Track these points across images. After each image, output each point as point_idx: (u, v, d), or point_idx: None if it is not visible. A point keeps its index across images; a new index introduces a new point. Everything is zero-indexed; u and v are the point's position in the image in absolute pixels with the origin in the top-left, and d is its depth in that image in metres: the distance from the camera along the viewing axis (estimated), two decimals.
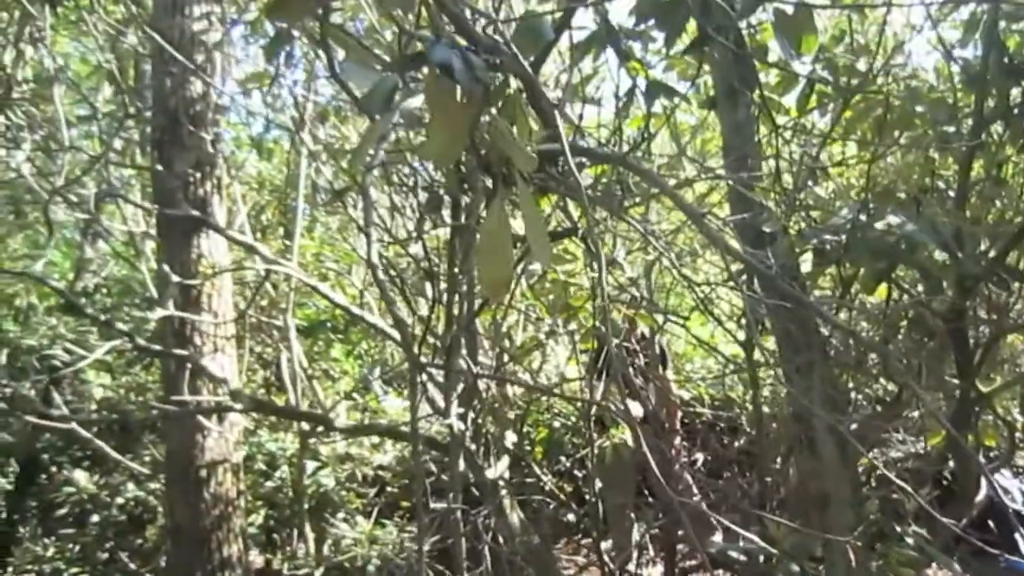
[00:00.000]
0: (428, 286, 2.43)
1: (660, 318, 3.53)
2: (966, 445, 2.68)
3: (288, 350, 4.09)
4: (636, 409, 4.27)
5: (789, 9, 2.39)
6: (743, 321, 3.21)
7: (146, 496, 4.34)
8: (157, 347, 3.19)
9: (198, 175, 3.60)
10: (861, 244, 2.09)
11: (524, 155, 1.00)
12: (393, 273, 2.64)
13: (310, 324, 4.83)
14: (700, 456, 5.24)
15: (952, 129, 3.25)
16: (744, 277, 2.34)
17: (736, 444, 5.32)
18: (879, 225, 2.20)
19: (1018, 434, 5.11)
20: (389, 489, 5.11)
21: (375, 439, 4.69)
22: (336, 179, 3.73)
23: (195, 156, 3.54)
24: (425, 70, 1.34)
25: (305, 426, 3.89)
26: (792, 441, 2.77)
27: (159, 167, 3.51)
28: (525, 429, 3.54)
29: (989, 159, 3.46)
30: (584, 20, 3.53)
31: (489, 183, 1.76)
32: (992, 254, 2.79)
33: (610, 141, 2.60)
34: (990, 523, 4.49)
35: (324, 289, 3.33)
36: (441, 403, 2.58)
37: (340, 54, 1.61)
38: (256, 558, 4.85)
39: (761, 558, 2.81)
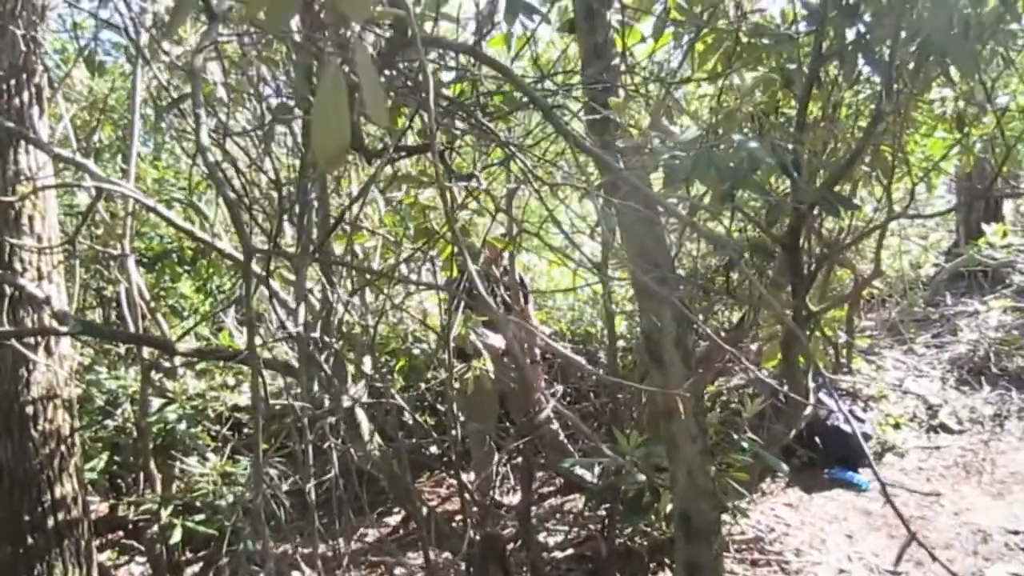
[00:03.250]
0: (276, 200, 2.29)
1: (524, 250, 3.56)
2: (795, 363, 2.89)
3: (127, 281, 3.78)
4: (497, 340, 4.32)
5: None
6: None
7: None
8: None
9: (12, 82, 3.19)
10: (707, 162, 2.16)
11: (359, 4, 0.92)
12: (239, 186, 2.46)
13: (154, 255, 4.49)
14: (560, 388, 5.40)
15: (794, 66, 3.42)
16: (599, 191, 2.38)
17: (595, 376, 5.51)
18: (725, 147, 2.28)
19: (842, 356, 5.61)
20: (247, 431, 4.93)
21: (230, 380, 4.48)
22: (176, 90, 3.41)
23: (5, 59, 3.13)
24: None
25: (148, 359, 3.63)
26: (644, 359, 2.88)
27: None
28: (384, 358, 3.49)
29: (826, 95, 3.68)
30: None
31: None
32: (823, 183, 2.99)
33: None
34: (816, 440, 4.95)
35: (164, 211, 3.07)
36: (292, 327, 2.48)
37: None
38: (100, 506, 4.55)
39: (611, 472, 2.93)
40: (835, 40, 3.34)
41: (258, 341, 4.11)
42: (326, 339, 2.51)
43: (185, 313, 5.11)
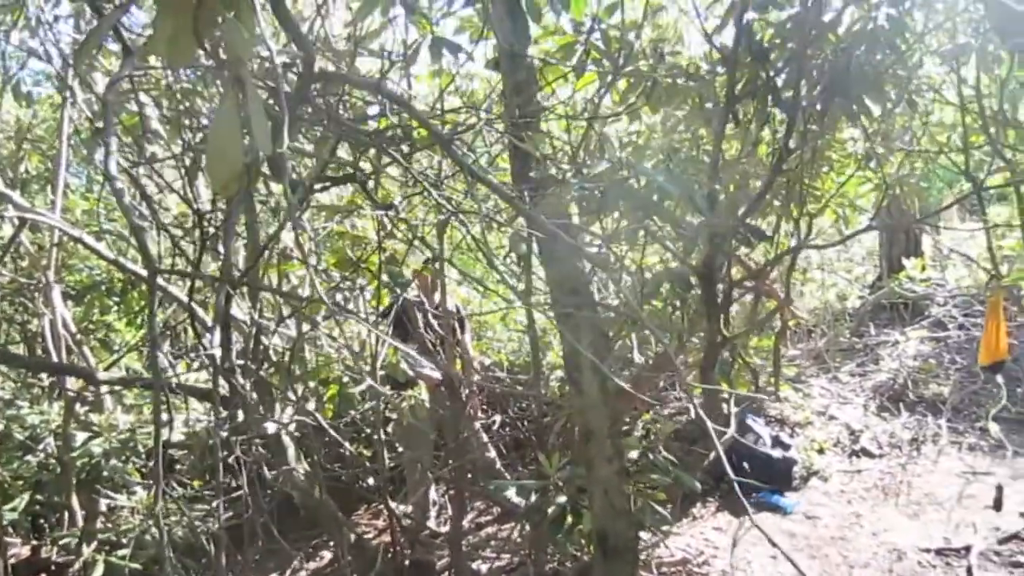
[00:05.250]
0: (198, 231, 2.33)
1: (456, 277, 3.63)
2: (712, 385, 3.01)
3: (52, 313, 3.72)
4: (434, 371, 4.36)
5: None
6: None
7: None
8: None
9: None
10: (619, 194, 2.29)
11: (248, 44, 1.00)
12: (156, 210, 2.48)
13: (83, 288, 4.41)
14: (498, 418, 5.44)
15: (711, 104, 3.63)
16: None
17: (530, 405, 5.59)
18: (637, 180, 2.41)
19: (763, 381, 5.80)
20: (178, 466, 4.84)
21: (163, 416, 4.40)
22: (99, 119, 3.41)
23: None
24: None
25: (72, 391, 3.56)
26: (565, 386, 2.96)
27: None
28: (314, 386, 3.48)
29: (743, 134, 3.90)
30: None
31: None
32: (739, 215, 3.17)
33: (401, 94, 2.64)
34: (745, 465, 5.10)
35: (91, 241, 3.06)
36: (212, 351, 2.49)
37: None
38: (21, 549, 4.38)
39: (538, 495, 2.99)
40: (747, 82, 3.56)
41: (182, 367, 4.08)
42: (250, 365, 2.53)
43: (116, 347, 5.01)
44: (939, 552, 4.05)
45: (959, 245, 10.27)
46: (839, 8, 3.50)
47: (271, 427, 2.58)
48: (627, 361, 3.74)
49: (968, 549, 3.96)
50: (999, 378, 5.22)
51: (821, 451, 5.48)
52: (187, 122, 2.46)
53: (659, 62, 3.38)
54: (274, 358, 2.93)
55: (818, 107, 3.61)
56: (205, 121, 2.77)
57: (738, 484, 5.09)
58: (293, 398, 2.73)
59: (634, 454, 2.92)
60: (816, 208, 4.64)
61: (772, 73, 3.45)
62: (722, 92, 3.54)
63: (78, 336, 3.99)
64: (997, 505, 4.39)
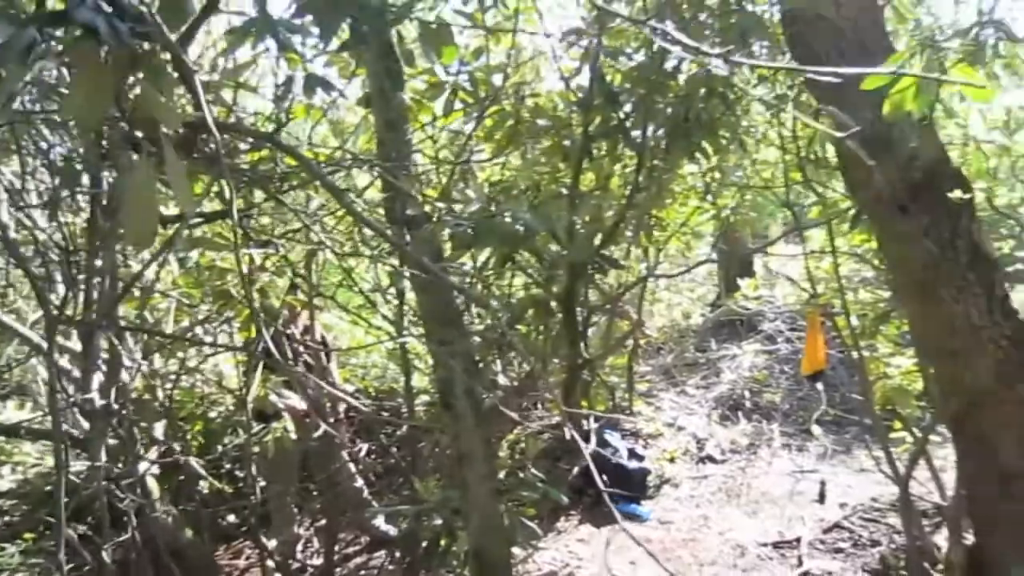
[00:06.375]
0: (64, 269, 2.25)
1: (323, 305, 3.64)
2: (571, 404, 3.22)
3: None
4: (299, 402, 4.31)
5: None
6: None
7: None
8: None
9: None
10: (488, 230, 2.44)
11: (170, 113, 1.05)
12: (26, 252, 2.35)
13: None
14: (365, 446, 5.43)
15: (568, 143, 3.90)
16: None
17: (399, 431, 5.62)
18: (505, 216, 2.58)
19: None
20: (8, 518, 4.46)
21: None
22: None
23: None
24: (67, 30, 1.30)
25: None
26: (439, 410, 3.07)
27: None
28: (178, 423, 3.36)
29: (597, 169, 4.21)
30: (246, 6, 3.51)
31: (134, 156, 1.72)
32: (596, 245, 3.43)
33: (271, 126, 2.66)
34: (604, 477, 5.39)
35: None
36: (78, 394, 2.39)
37: None
38: None
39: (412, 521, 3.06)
40: (601, 123, 3.87)
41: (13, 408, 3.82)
42: (112, 405, 2.44)
43: None
44: (775, 545, 4.50)
45: (784, 266, 11.37)
46: (679, 59, 3.89)
47: (141, 467, 2.50)
48: (494, 384, 3.90)
49: (799, 540, 4.44)
50: (820, 386, 5.87)
51: (672, 460, 5.90)
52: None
53: (520, 103, 3.61)
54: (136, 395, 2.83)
55: (663, 146, 3.99)
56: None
57: (599, 495, 5.39)
58: (159, 437, 2.65)
59: (502, 473, 3.07)
60: (664, 237, 5.06)
61: (622, 115, 3.78)
62: (578, 131, 3.83)
63: None
64: (821, 498, 4.95)
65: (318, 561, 4.79)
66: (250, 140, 2.24)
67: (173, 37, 1.64)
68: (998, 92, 4.13)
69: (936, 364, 3.32)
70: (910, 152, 3.00)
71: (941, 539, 3.71)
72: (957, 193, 2.94)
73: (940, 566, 3.55)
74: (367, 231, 3.36)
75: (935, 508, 4.01)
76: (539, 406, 5.90)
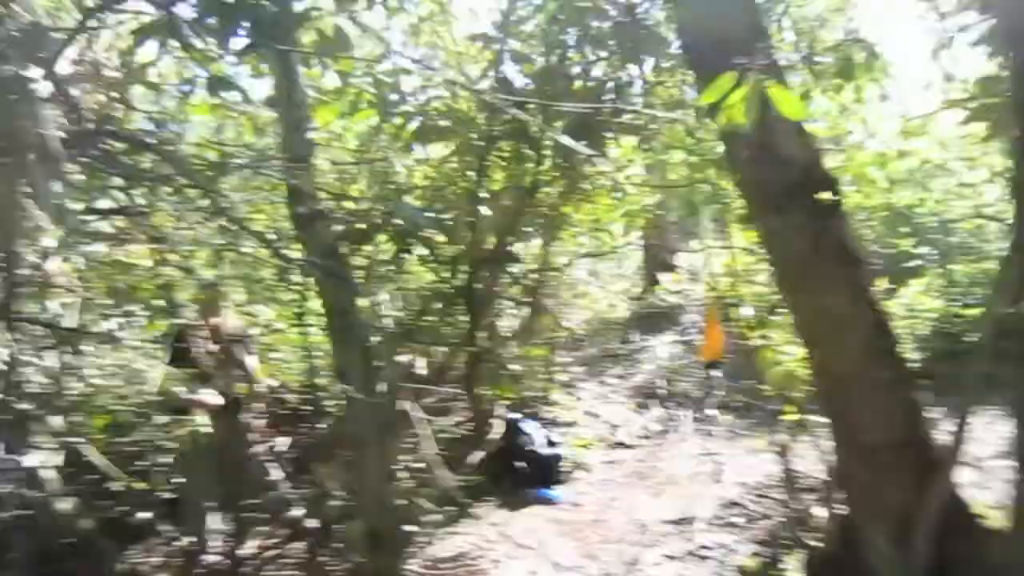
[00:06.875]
0: None
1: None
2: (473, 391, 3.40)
3: None
4: (215, 397, 4.35)
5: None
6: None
7: None
8: None
9: None
10: (381, 227, 2.59)
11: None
12: None
13: None
14: (285, 439, 5.47)
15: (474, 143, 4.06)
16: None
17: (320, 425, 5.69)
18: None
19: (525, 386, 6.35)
20: None
21: None
22: None
23: None
24: None
25: None
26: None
27: None
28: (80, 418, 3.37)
29: (509, 169, 4.38)
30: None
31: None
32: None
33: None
34: (523, 465, 5.60)
35: None
36: None
37: None
38: None
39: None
40: (505, 124, 4.04)
41: None
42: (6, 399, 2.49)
43: None
44: (675, 522, 4.78)
45: (709, 262, 11.82)
46: (581, 65, 4.10)
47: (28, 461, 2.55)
48: (401, 372, 4.03)
49: (696, 518, 4.73)
50: (719, 373, 6.22)
51: (586, 446, 6.15)
52: None
53: (426, 104, 3.75)
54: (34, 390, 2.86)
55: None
56: None
57: (514, 481, 5.59)
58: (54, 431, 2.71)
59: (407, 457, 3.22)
60: (572, 233, 5.28)
61: (525, 118, 3.96)
62: (483, 132, 4.00)
63: None
64: (719, 478, 5.27)
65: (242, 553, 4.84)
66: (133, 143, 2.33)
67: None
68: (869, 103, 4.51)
69: (808, 349, 3.61)
70: (786, 156, 3.25)
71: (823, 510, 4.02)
72: (826, 195, 3.20)
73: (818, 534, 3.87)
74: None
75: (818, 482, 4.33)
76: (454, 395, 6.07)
